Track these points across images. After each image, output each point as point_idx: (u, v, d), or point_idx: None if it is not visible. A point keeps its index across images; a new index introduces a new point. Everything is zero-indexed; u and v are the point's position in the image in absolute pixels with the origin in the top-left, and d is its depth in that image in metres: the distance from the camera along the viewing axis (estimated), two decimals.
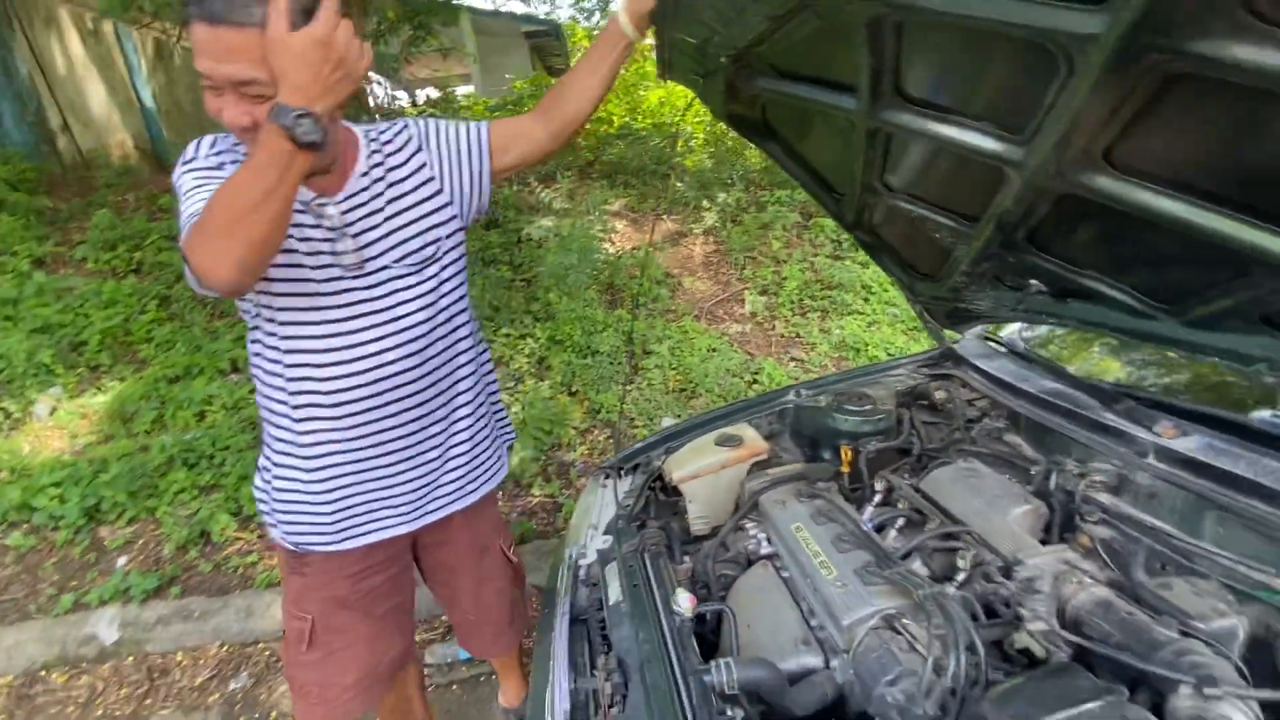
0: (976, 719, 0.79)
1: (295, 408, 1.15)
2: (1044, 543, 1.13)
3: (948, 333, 1.79)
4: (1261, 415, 1.02)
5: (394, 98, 7.40)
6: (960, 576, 1.08)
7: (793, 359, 3.98)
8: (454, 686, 2.09)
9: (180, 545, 2.58)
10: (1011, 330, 1.80)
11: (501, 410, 1.49)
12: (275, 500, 1.22)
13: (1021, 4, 0.67)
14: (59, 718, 2.10)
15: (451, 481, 1.32)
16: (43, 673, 2.24)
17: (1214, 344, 0.97)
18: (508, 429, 1.51)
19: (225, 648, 2.29)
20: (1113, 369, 1.69)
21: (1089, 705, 0.71)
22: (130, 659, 2.29)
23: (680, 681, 0.94)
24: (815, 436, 1.63)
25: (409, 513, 1.28)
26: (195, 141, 1.07)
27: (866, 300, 4.39)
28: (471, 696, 2.04)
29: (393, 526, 1.27)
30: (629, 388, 3.58)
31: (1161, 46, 0.60)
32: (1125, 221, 0.92)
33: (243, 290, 0.96)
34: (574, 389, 3.57)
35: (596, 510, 1.55)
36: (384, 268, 1.12)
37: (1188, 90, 0.66)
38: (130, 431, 3.13)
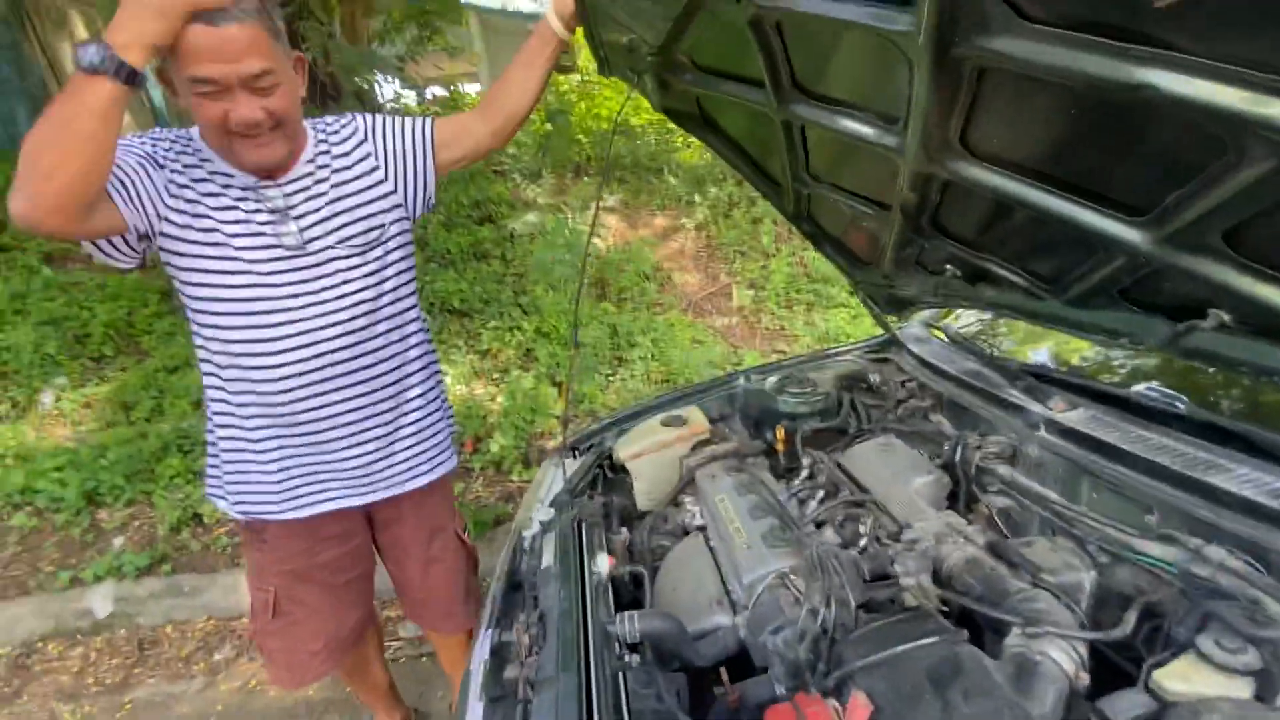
0: (839, 658, 0.86)
1: (230, 386, 1.22)
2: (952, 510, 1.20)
3: (892, 319, 1.85)
4: (1140, 389, 1.08)
5: (399, 95, 7.52)
6: (862, 541, 1.15)
7: (775, 351, 4.04)
8: (423, 659, 2.18)
9: (173, 526, 2.70)
10: (953, 317, 1.86)
11: (446, 402, 1.54)
12: (224, 470, 1.30)
13: (848, 3, 0.73)
14: (52, 685, 2.22)
15: (402, 462, 1.38)
16: (39, 644, 2.37)
17: (1089, 321, 1.03)
18: (452, 419, 1.56)
19: (211, 621, 2.41)
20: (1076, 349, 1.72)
21: (924, 640, 0.78)
22: (122, 631, 2.41)
23: (590, 631, 1.03)
24: (760, 418, 1.71)
25: (357, 488, 1.34)
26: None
27: (852, 293, 4.43)
28: (440, 668, 2.13)
29: (340, 498, 1.33)
30: (610, 378, 3.66)
31: (962, 43, 0.67)
32: (999, 207, 0.99)
33: (43, 230, 0.95)
34: (558, 379, 3.66)
35: (547, 487, 1.63)
36: (326, 248, 1.20)
37: (1000, 82, 0.72)
38: (130, 419, 3.26)
